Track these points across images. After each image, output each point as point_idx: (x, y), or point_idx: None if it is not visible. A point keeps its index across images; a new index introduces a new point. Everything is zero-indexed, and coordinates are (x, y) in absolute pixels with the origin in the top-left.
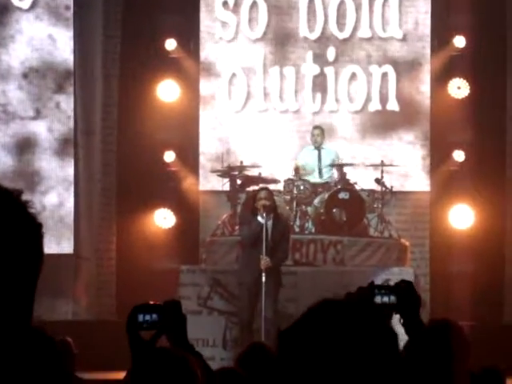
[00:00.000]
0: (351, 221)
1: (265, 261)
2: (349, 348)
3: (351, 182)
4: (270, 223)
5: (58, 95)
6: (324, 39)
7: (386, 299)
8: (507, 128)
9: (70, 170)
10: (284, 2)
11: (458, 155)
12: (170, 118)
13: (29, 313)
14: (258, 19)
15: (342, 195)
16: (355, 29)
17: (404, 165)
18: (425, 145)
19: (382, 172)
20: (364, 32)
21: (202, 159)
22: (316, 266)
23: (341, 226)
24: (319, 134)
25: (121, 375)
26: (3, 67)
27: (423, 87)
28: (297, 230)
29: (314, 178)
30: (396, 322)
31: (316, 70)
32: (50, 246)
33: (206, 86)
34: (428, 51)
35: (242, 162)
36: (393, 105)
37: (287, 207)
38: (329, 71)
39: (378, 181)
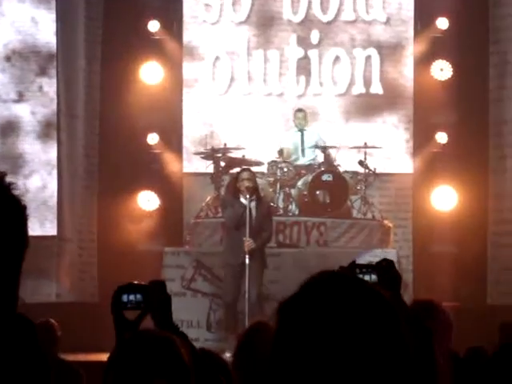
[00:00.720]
0: (334, 203)
1: (248, 242)
2: (352, 320)
3: (335, 164)
4: (253, 204)
5: (40, 78)
6: (308, 22)
7: (367, 278)
8: (490, 109)
9: (53, 153)
10: None
11: (441, 137)
12: (154, 101)
13: (13, 296)
14: (241, 2)
15: (325, 177)
16: (339, 12)
17: (387, 147)
18: (408, 127)
19: (366, 154)
20: (348, 15)
21: (186, 141)
22: (299, 247)
23: (324, 208)
24: (302, 117)
25: (104, 357)
26: None
27: (406, 70)
28: (280, 211)
29: (297, 160)
30: None
31: (300, 53)
32: (34, 228)
33: (189, 68)
34: (411, 34)
35: (225, 145)
36: (376, 87)
37: (271, 189)
38: (312, 54)
39: (361, 163)
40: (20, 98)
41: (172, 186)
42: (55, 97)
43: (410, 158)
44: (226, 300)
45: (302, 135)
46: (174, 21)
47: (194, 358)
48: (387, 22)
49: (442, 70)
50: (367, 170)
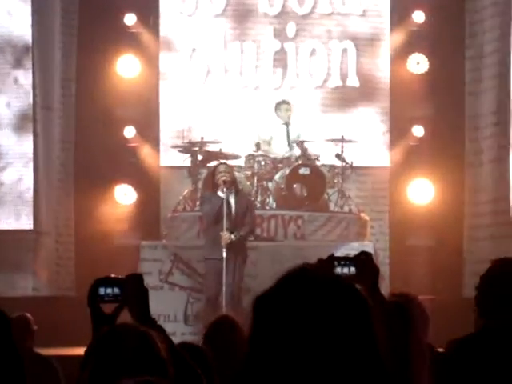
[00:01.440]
0: (312, 196)
1: (225, 236)
2: (327, 314)
3: (312, 157)
4: (231, 198)
5: (16, 70)
6: (284, 15)
7: (345, 270)
8: (466, 103)
9: (29, 146)
10: None
11: (418, 130)
12: (130, 94)
13: None
14: None
15: (302, 170)
16: (315, 4)
17: (364, 140)
18: (384, 120)
19: (343, 147)
20: (324, 8)
21: (163, 135)
22: (277, 241)
23: (301, 201)
24: (289, 109)
25: (81, 351)
26: None
27: (383, 63)
28: (258, 205)
29: (282, 153)
30: None
31: (276, 45)
32: (9, 222)
33: (166, 61)
34: (387, 27)
35: (202, 138)
36: (353, 80)
37: (248, 183)
38: (289, 47)
39: (338, 156)
40: None
41: (149, 179)
42: (31, 89)
43: (387, 151)
44: (208, 295)
45: (288, 128)
46: (150, 14)
47: (171, 352)
48: (363, 14)
49: (418, 63)
50: (344, 164)
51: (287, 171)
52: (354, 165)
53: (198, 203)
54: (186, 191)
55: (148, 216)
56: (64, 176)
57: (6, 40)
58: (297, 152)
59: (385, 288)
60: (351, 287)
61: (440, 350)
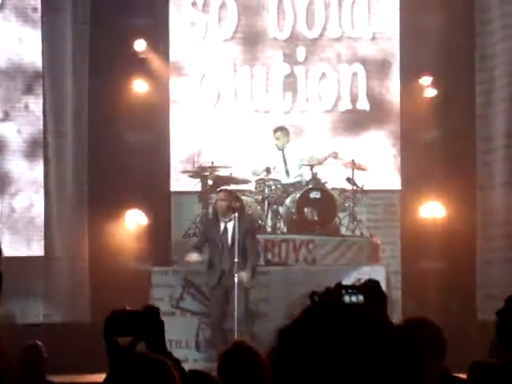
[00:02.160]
0: (323, 220)
1: (246, 279)
2: (352, 349)
3: (322, 181)
4: (230, 224)
5: (26, 96)
6: (293, 39)
7: (354, 299)
8: (477, 125)
9: (40, 172)
10: (253, 1)
11: (428, 153)
12: (141, 118)
13: None
14: (227, 19)
15: (313, 194)
16: (324, 28)
17: (375, 163)
18: (395, 143)
19: (353, 171)
20: (333, 31)
21: (173, 159)
22: (288, 265)
23: (312, 226)
24: (279, 137)
25: (94, 378)
26: None
27: (393, 86)
28: (269, 229)
29: (283, 179)
30: None
31: (286, 69)
32: (20, 249)
33: (176, 86)
34: (397, 50)
35: (212, 163)
36: (363, 104)
37: (258, 207)
38: (299, 71)
39: (349, 180)
40: (6, 117)
41: (160, 204)
42: (41, 115)
43: (398, 174)
44: (212, 320)
45: (284, 155)
46: (160, 39)
47: (184, 381)
48: (373, 38)
49: (428, 86)
50: (355, 187)
51: (298, 195)
52: (364, 188)
53: None
54: (196, 216)
55: (159, 241)
56: (77, 201)
57: (16, 67)
58: (307, 176)
59: (397, 311)
60: (380, 325)
61: (456, 375)
